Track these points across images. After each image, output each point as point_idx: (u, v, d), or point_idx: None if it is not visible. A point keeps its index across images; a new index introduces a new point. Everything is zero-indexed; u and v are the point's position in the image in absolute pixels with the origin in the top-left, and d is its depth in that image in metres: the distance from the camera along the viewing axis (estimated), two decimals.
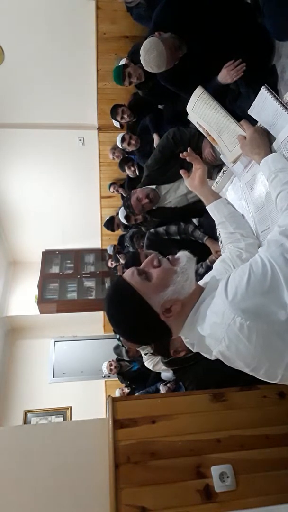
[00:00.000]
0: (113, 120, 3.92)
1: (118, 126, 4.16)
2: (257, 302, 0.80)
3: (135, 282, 0.90)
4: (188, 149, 1.37)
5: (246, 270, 0.85)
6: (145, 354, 2.85)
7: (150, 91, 3.10)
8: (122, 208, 2.91)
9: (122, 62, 3.45)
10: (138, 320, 0.91)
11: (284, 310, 0.78)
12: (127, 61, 3.20)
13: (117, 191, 4.96)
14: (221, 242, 1.87)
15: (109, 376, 4.81)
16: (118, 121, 3.85)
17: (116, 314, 0.93)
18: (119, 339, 3.11)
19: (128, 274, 0.92)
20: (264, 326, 0.79)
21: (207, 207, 1.38)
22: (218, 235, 1.89)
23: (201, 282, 1.05)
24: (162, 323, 0.91)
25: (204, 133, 1.53)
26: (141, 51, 1.88)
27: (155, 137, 3.34)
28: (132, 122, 3.80)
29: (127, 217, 2.99)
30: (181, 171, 1.41)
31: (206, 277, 1.12)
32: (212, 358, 0.93)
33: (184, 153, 1.36)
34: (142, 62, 1.93)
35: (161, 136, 2.79)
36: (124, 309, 0.91)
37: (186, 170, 1.41)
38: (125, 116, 3.70)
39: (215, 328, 0.85)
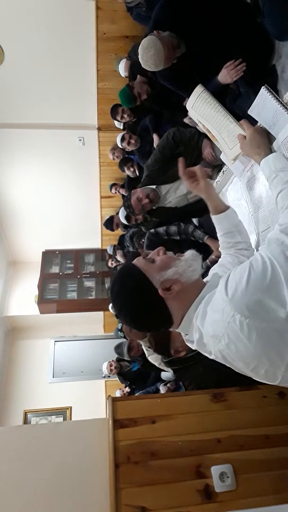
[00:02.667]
0: (114, 121, 3.93)
1: (121, 127, 4.17)
2: (257, 300, 0.80)
3: (139, 263, 0.97)
4: (180, 167, 1.31)
5: (246, 267, 0.85)
6: (149, 347, 2.83)
7: (154, 100, 3.12)
8: (123, 208, 2.91)
9: (122, 62, 3.46)
10: (137, 294, 0.94)
11: (284, 308, 0.78)
12: (127, 72, 3.22)
13: (119, 192, 4.96)
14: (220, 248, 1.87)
15: (109, 376, 4.81)
16: (118, 121, 3.85)
17: (118, 290, 0.97)
18: (120, 330, 3.07)
19: (135, 259, 0.99)
20: (264, 324, 0.79)
21: (215, 217, 1.31)
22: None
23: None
24: (161, 301, 0.93)
25: (204, 130, 1.53)
26: (139, 49, 1.89)
27: (155, 137, 3.35)
28: (132, 122, 3.81)
29: (127, 217, 2.99)
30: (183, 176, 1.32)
31: (208, 278, 1.12)
32: (211, 357, 0.93)
33: (180, 172, 1.31)
34: (140, 60, 1.93)
35: (161, 136, 2.79)
36: (125, 283, 0.97)
37: (187, 172, 1.33)
38: (125, 116, 3.70)
39: (215, 326, 0.85)
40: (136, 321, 1.00)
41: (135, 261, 0.98)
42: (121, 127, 4.20)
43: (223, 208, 1.30)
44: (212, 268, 1.27)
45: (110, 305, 5.27)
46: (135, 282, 0.95)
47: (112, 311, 5.31)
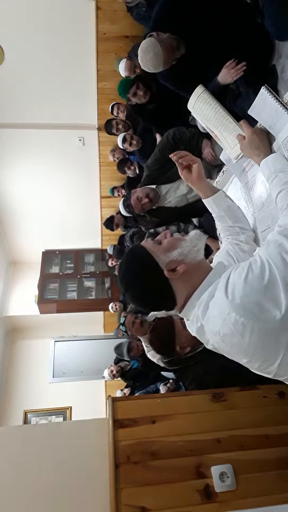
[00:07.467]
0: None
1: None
2: (253, 301, 0.81)
3: (147, 244, 1.01)
4: (176, 152, 1.32)
5: (245, 268, 0.86)
6: (148, 344, 2.82)
7: (151, 116, 3.11)
8: (122, 200, 2.88)
9: (122, 62, 3.46)
10: (143, 274, 0.98)
11: (279, 310, 0.79)
12: (127, 72, 3.20)
13: (121, 193, 4.92)
14: (219, 234, 1.87)
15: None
16: (114, 134, 3.92)
17: (125, 269, 1.02)
18: (122, 324, 3.08)
19: (143, 241, 1.04)
20: (258, 324, 0.81)
21: (204, 201, 1.36)
22: (218, 234, 1.90)
23: None
24: (166, 281, 0.96)
25: (206, 129, 1.53)
26: (139, 51, 1.90)
27: (158, 136, 3.35)
28: (132, 121, 3.83)
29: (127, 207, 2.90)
30: (178, 166, 1.35)
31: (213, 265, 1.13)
32: (209, 346, 0.95)
33: (171, 155, 1.31)
34: (139, 62, 1.94)
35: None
36: (133, 263, 1.01)
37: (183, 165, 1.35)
38: (120, 127, 3.80)
39: (213, 321, 0.88)
40: (141, 300, 1.03)
41: (143, 243, 1.02)
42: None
43: (211, 193, 1.33)
44: (216, 255, 1.28)
45: (111, 304, 5.28)
46: (142, 262, 0.98)
47: (111, 311, 5.32)
